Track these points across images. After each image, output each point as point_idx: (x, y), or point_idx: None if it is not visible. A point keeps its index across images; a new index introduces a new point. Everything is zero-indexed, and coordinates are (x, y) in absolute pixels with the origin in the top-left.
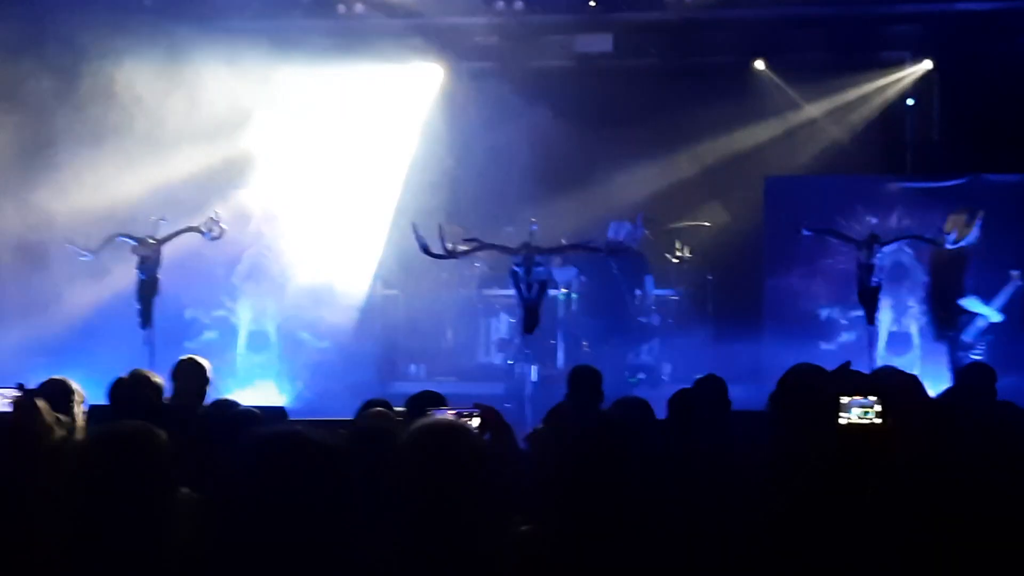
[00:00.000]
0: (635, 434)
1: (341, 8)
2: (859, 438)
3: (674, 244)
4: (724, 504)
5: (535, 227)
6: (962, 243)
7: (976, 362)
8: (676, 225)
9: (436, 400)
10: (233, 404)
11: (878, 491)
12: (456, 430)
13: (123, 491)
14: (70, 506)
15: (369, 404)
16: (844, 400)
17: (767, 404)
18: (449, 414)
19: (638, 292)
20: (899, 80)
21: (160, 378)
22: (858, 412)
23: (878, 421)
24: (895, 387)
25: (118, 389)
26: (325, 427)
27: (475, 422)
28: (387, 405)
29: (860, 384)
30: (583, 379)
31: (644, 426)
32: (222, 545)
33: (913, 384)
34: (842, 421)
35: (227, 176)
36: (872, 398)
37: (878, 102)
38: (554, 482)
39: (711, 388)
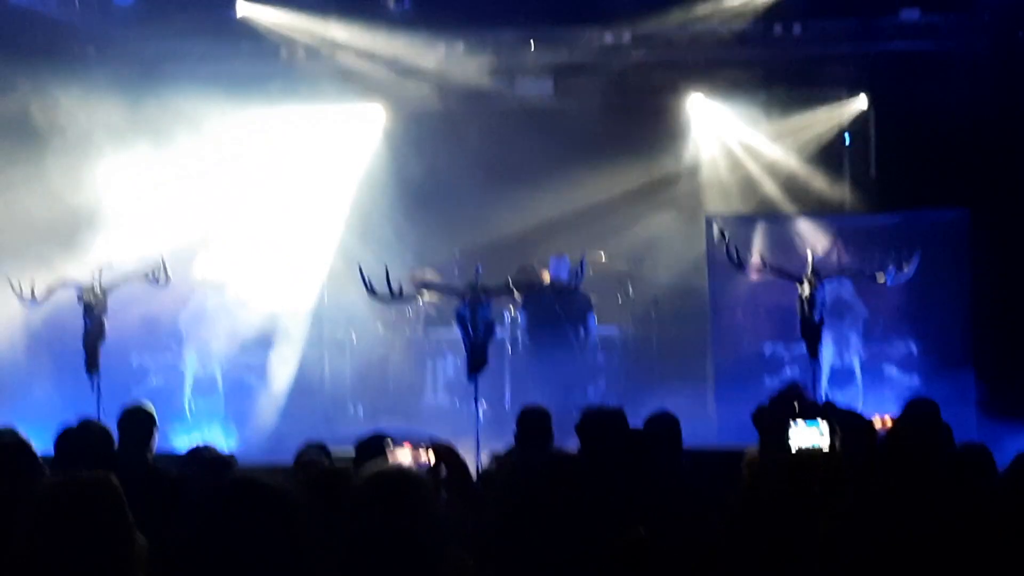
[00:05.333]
0: (584, 475)
1: (283, 53)
2: (810, 463)
3: (618, 282)
4: (678, 543)
5: (480, 269)
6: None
7: (920, 396)
8: (618, 264)
9: (384, 441)
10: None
11: (833, 519)
12: (406, 477)
13: (83, 540)
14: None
15: (307, 449)
16: (791, 425)
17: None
18: (405, 447)
19: (582, 331)
20: (836, 117)
21: (108, 427)
22: (805, 436)
23: (826, 443)
24: (840, 413)
25: (66, 440)
26: (275, 473)
27: (431, 458)
28: (324, 449)
29: (807, 409)
30: (531, 420)
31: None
32: None
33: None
34: (793, 447)
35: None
36: (818, 420)
37: (815, 140)
38: (502, 523)
39: (663, 425)
